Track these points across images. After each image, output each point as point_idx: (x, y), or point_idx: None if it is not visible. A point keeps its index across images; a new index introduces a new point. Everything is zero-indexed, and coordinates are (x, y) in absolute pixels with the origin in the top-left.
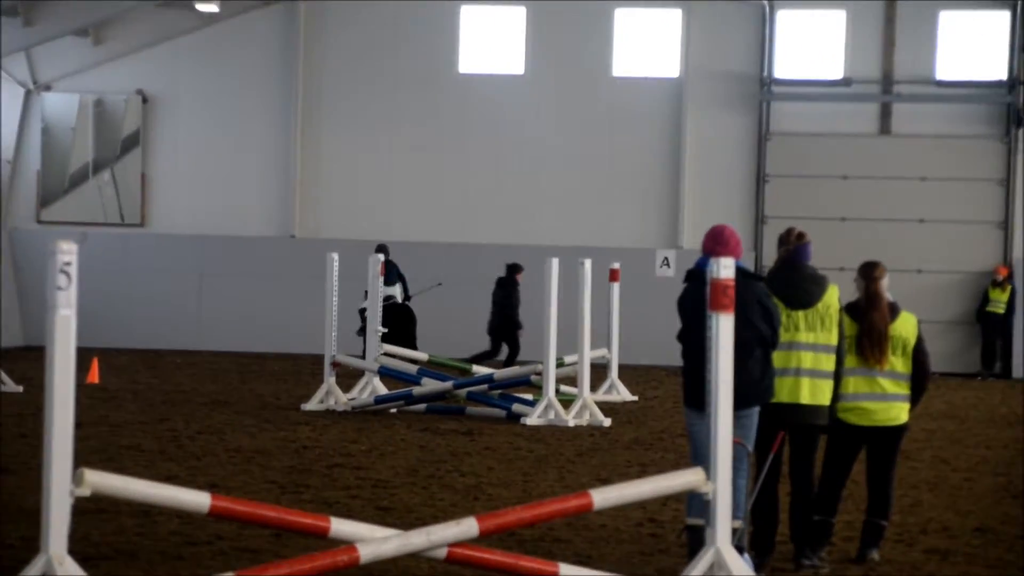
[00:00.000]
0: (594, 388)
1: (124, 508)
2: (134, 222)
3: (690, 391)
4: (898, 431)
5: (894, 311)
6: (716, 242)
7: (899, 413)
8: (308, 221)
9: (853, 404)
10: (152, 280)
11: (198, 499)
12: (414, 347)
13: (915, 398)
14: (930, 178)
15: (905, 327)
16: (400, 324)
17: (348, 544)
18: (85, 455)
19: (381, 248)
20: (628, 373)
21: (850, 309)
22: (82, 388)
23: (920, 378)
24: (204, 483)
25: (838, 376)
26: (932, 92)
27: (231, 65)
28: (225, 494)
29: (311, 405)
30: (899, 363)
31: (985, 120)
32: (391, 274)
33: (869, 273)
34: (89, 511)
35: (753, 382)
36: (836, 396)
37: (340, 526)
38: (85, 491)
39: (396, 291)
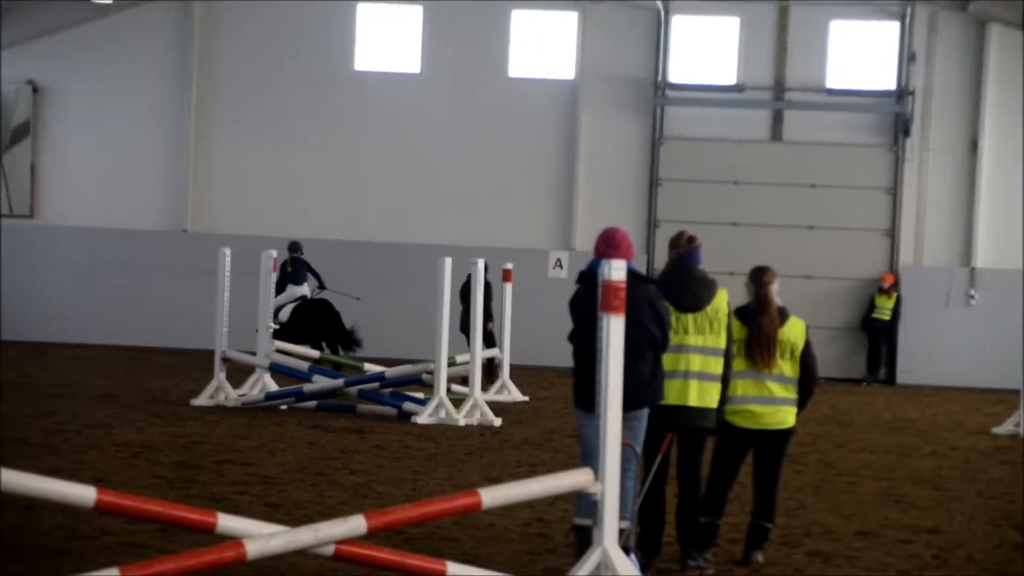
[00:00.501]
0: (485, 388)
1: (7, 502)
2: (23, 213)
3: (580, 392)
4: (785, 435)
5: (783, 316)
6: (608, 244)
7: (786, 417)
8: (201, 216)
9: (741, 407)
10: (41, 272)
11: (83, 493)
12: (341, 341)
13: (802, 401)
14: (820, 185)
15: (794, 331)
16: (316, 320)
17: (235, 540)
18: None
19: (293, 246)
20: (519, 373)
21: (740, 313)
22: None
23: (807, 382)
24: (90, 477)
25: (726, 379)
26: (823, 100)
27: (124, 57)
28: (111, 489)
29: (201, 400)
30: (787, 367)
31: (874, 129)
32: (300, 272)
33: (759, 278)
34: None
35: (643, 384)
36: (724, 399)
37: (227, 522)
38: None
39: (305, 289)
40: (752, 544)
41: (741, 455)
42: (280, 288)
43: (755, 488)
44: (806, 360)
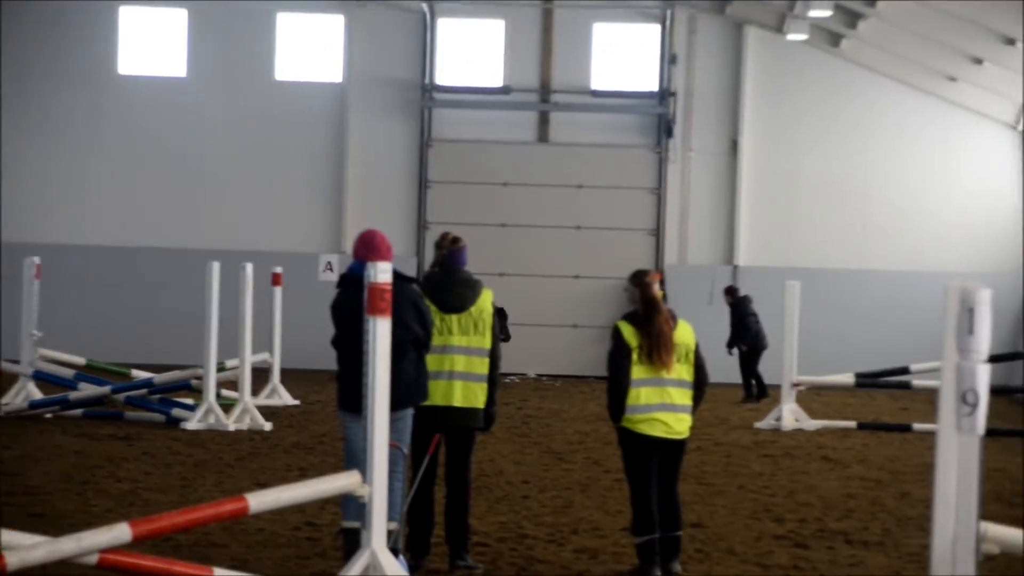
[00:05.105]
0: (256, 392)
1: None
2: None
3: (345, 395)
4: (685, 444)
5: (673, 318)
6: (367, 248)
7: (687, 426)
8: None
9: (646, 416)
10: None
11: None
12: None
13: (695, 404)
14: (586, 186)
15: (686, 333)
16: None
17: None
18: None
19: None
20: (290, 377)
21: (630, 319)
22: None
23: (701, 383)
24: None
25: (493, 380)
26: (587, 102)
27: None
28: None
29: None
30: (685, 371)
31: (638, 130)
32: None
33: (641, 279)
34: None
35: (408, 384)
36: (492, 399)
37: None
38: None
39: None
40: (668, 556)
41: (652, 462)
42: None
43: (657, 500)
44: (698, 362)
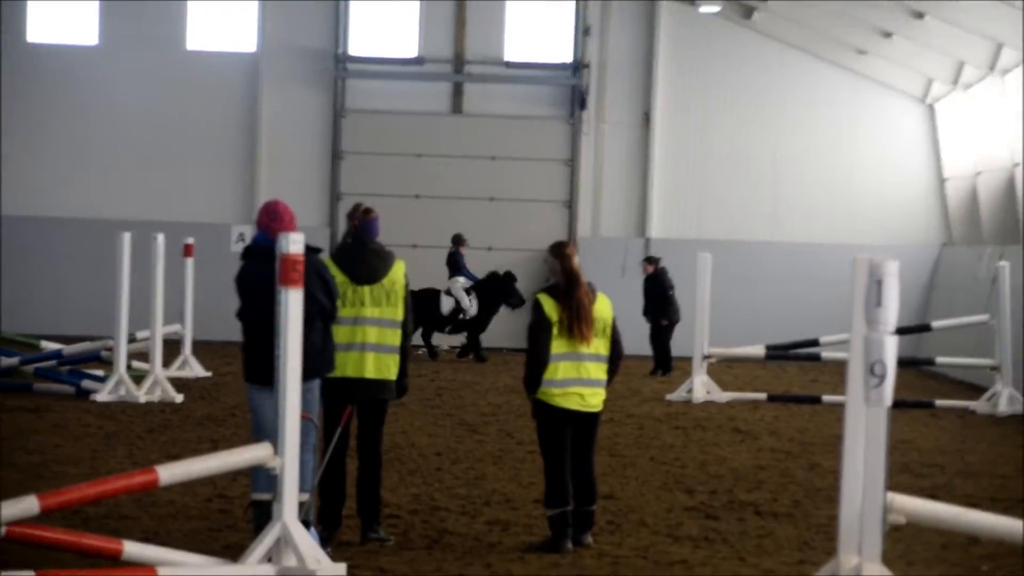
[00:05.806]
0: (167, 364)
1: None
2: None
3: (252, 367)
4: (599, 416)
5: (592, 291)
6: (271, 218)
7: (601, 399)
8: None
9: (562, 390)
10: None
11: None
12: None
13: (609, 378)
14: (500, 157)
15: (604, 307)
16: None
17: None
18: None
19: (456, 239)
20: (203, 349)
21: (551, 292)
22: None
23: (616, 358)
24: None
25: (404, 351)
26: (501, 73)
27: None
28: None
29: None
30: (602, 345)
31: (551, 102)
32: (452, 265)
33: (561, 251)
34: None
35: (315, 354)
36: (404, 371)
37: None
38: None
39: (453, 282)
40: (580, 529)
41: (567, 435)
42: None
43: (571, 473)
44: (615, 336)
